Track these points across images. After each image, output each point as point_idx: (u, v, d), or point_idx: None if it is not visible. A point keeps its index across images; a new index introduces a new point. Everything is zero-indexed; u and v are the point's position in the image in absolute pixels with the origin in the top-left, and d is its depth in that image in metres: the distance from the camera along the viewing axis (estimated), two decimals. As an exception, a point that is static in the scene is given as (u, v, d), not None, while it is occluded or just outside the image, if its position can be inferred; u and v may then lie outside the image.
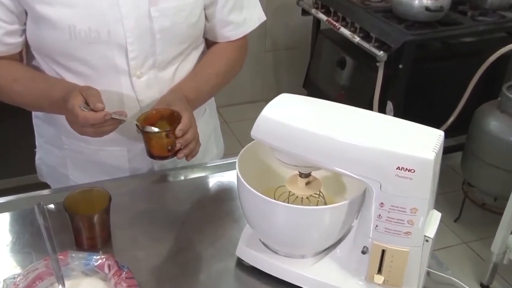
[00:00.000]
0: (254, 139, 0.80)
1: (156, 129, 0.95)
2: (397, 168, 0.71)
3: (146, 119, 0.96)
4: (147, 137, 0.96)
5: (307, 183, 0.82)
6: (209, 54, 1.10)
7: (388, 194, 0.72)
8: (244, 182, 0.79)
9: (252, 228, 0.85)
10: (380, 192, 0.73)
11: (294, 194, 0.83)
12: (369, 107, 2.00)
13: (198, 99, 1.07)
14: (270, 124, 0.77)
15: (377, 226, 0.75)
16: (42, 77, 1.01)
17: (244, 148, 0.85)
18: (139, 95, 1.02)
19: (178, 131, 0.94)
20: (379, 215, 0.74)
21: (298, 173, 0.82)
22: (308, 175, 0.82)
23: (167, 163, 1.08)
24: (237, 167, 0.81)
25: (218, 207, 1.00)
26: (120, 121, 0.93)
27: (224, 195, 1.04)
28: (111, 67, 0.98)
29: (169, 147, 0.95)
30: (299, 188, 0.82)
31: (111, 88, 0.98)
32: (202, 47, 1.11)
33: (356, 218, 0.81)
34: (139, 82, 1.01)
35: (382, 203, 0.73)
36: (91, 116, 0.90)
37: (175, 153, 0.96)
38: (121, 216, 0.94)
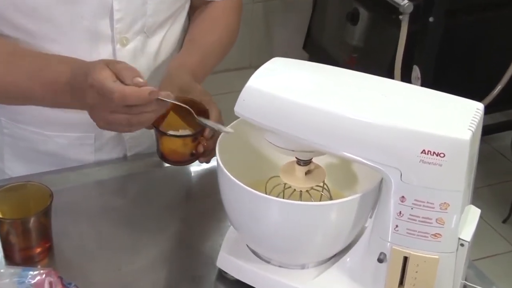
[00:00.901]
0: (238, 117, 0.80)
1: (184, 132, 0.94)
2: (422, 152, 0.72)
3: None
4: (168, 141, 0.95)
5: (307, 173, 0.83)
6: (206, 20, 1.12)
7: (411, 186, 0.74)
8: (226, 172, 0.79)
9: (238, 231, 0.86)
10: (400, 183, 0.74)
11: (290, 186, 0.84)
12: (389, 74, 2.01)
13: (204, 77, 1.08)
14: (259, 97, 0.77)
15: (397, 226, 0.76)
16: (26, 52, 0.95)
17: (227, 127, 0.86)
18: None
19: (209, 132, 0.93)
20: (400, 212, 0.75)
21: (296, 160, 0.83)
22: (308, 162, 0.83)
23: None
24: (217, 153, 0.82)
25: (195, 205, 1.01)
26: (165, 105, 0.87)
27: (204, 189, 1.05)
28: (88, 32, 0.97)
29: (194, 151, 0.95)
30: (297, 179, 0.83)
31: (85, 59, 0.93)
32: (187, 7, 1.13)
33: (371, 217, 0.82)
34: (124, 51, 1.01)
35: (403, 197, 0.75)
36: (133, 93, 0.83)
37: (197, 157, 0.97)
38: (67, 218, 0.94)
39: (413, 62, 2.03)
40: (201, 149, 0.95)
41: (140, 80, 0.85)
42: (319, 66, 0.83)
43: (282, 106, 0.76)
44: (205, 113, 0.94)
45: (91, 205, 1.00)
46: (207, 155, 0.97)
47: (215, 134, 0.92)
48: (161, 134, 0.94)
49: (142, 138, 1.11)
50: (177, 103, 0.89)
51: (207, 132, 0.93)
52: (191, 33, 1.11)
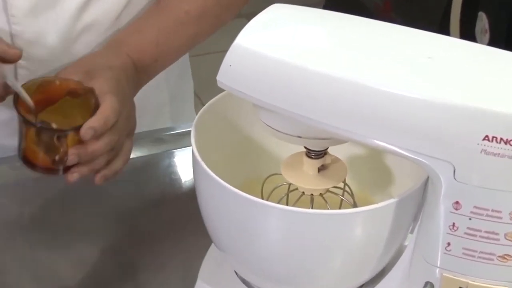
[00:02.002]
0: (223, 89, 0.80)
1: (54, 125, 0.97)
2: (484, 138, 0.71)
3: (38, 92, 0.98)
4: (29, 133, 0.97)
5: (321, 169, 0.84)
6: None
7: (469, 187, 0.73)
8: (205, 168, 0.80)
9: (222, 251, 0.87)
10: (454, 183, 0.74)
11: (297, 188, 0.84)
12: (441, 26, 1.99)
13: (160, 61, 1.12)
14: (251, 61, 0.77)
15: (449, 245, 0.76)
16: None
17: (205, 106, 0.86)
18: (16, 31, 1.08)
19: (87, 129, 0.93)
20: (453, 225, 0.75)
21: (305, 150, 0.84)
22: (322, 154, 0.83)
23: None
24: (192, 141, 0.82)
25: (165, 212, 1.04)
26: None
27: (179, 190, 1.09)
28: None
29: (56, 157, 0.96)
30: (307, 178, 0.84)
31: None
32: None
33: (411, 232, 0.82)
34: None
35: (457, 202, 0.75)
36: None
37: (65, 169, 0.98)
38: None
39: (477, 9, 2.01)
40: (63, 155, 0.95)
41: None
42: (337, 17, 0.83)
43: (284, 74, 0.76)
44: (96, 106, 0.97)
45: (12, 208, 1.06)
46: (81, 171, 0.97)
47: (99, 139, 0.95)
48: (23, 121, 0.96)
49: None
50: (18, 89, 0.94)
51: (84, 129, 0.93)
52: None
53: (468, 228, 0.75)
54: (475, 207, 0.74)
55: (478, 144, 0.72)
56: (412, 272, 0.81)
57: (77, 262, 1.01)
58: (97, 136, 0.94)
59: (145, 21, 1.13)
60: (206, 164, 0.80)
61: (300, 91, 0.76)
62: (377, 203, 0.79)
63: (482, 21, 2.02)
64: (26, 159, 0.99)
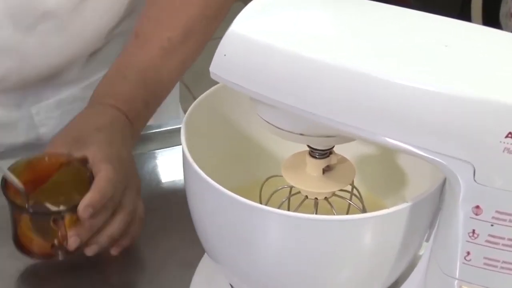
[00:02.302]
0: (217, 82, 0.80)
1: (52, 208, 0.97)
2: (507, 136, 0.71)
3: (27, 172, 0.98)
4: (21, 217, 0.98)
5: (327, 170, 0.84)
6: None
7: (491, 189, 0.73)
8: (197, 169, 0.79)
9: (215, 262, 0.87)
10: (474, 186, 0.73)
11: (300, 192, 0.84)
12: (462, 12, 2.00)
13: (152, 102, 1.13)
14: (247, 50, 0.77)
15: (469, 254, 0.76)
16: None
17: (197, 101, 0.87)
18: None
19: (84, 208, 0.94)
20: (473, 232, 0.75)
21: (308, 150, 0.84)
22: (327, 153, 0.84)
23: None
24: (182, 140, 0.82)
25: (153, 218, 1.04)
26: None
27: (167, 194, 1.10)
28: None
29: (55, 242, 0.97)
30: (310, 180, 0.84)
31: None
32: None
33: (427, 241, 0.82)
34: None
35: (478, 207, 0.74)
36: None
37: (66, 252, 0.98)
38: None
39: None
40: (62, 239, 0.96)
41: None
42: (344, 0, 0.83)
43: (285, 63, 0.76)
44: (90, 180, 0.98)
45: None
46: (92, 248, 0.98)
47: (99, 213, 0.95)
48: (14, 208, 0.96)
49: None
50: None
51: (81, 207, 0.93)
52: (139, 22, 1.16)
53: (490, 235, 0.75)
54: (497, 211, 0.74)
55: (500, 142, 0.71)
56: (428, 285, 0.81)
57: (57, 267, 1.02)
58: (95, 209, 0.94)
59: (126, 61, 1.13)
60: (198, 165, 0.80)
61: (302, 83, 0.76)
62: (388, 207, 0.78)
63: (508, 4, 2.02)
64: (22, 247, 0.99)
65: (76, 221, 0.95)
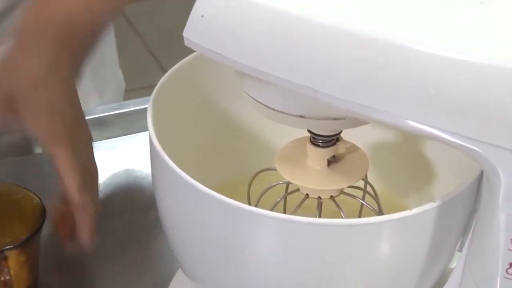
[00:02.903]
0: (192, 50, 0.79)
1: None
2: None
3: None
4: None
5: (332, 162, 0.84)
6: None
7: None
8: (168, 161, 0.79)
9: (192, 280, 0.88)
10: (517, 180, 0.74)
11: (299, 189, 0.85)
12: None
13: (98, 29, 1.10)
14: (231, 10, 0.76)
15: (511, 266, 0.76)
16: None
17: (167, 74, 0.87)
18: None
19: (73, 194, 0.96)
20: (517, 238, 0.76)
21: (309, 136, 0.83)
22: (333, 140, 0.84)
23: None
24: (149, 124, 0.83)
25: (114, 223, 1.05)
26: None
27: (131, 193, 1.11)
28: None
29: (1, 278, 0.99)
30: (312, 175, 0.84)
31: None
32: None
33: (459, 250, 0.82)
34: None
35: (523, 207, 0.75)
36: None
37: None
38: None
39: None
40: (7, 282, 0.98)
41: None
42: None
43: (279, 27, 0.75)
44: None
45: None
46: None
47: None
48: None
49: None
50: None
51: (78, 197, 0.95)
52: None
53: (539, 243, 0.76)
54: (548, 213, 0.75)
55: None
56: (461, 303, 0.81)
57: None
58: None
59: None
60: (170, 157, 0.80)
61: (302, 52, 0.75)
62: (410, 208, 0.77)
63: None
64: None
65: (25, 261, 0.97)
